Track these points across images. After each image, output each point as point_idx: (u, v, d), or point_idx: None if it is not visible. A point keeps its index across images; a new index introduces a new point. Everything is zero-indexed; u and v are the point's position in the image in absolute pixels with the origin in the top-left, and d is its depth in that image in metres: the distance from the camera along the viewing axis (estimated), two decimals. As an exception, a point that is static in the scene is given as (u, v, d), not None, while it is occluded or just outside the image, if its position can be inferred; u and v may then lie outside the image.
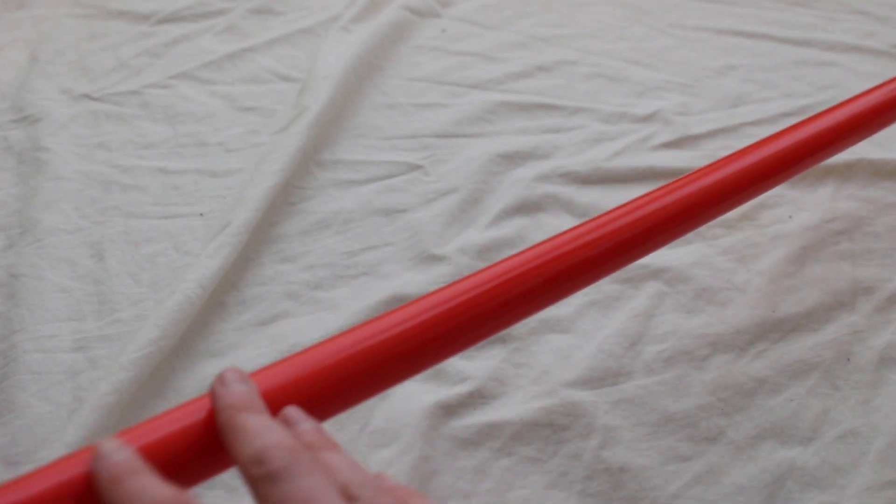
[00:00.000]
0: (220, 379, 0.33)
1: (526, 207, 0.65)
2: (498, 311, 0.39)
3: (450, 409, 0.51)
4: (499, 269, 0.40)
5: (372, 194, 0.66)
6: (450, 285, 0.39)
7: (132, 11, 0.88)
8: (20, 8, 0.89)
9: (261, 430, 0.29)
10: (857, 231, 0.63)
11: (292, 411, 0.32)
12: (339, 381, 0.35)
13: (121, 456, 0.29)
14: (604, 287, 0.59)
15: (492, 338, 0.55)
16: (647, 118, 0.74)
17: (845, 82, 0.78)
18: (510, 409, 0.51)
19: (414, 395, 0.52)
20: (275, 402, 0.33)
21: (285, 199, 0.65)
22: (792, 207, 0.65)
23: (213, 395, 0.32)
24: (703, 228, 0.63)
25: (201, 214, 0.65)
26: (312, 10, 0.88)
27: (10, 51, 0.83)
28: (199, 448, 0.31)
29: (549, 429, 0.50)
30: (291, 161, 0.66)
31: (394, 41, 0.83)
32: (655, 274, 0.59)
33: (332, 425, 0.50)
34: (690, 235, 0.62)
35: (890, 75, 0.79)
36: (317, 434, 0.31)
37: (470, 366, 0.54)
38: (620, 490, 0.48)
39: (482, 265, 0.60)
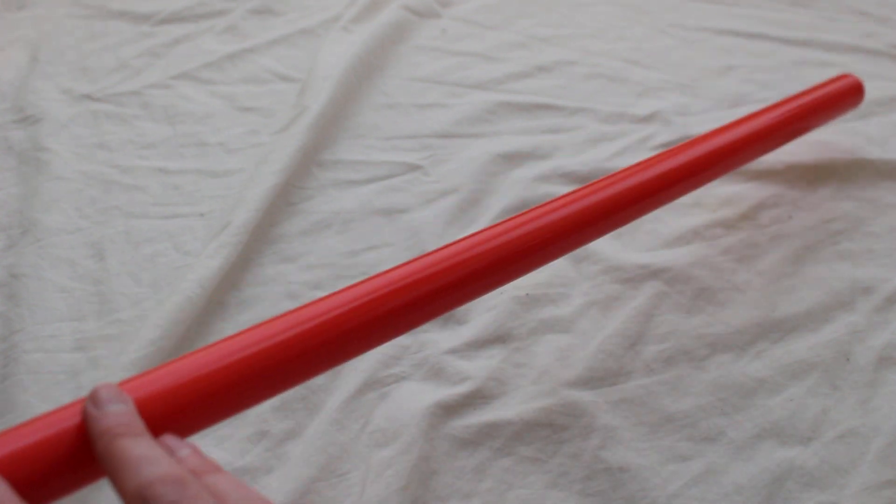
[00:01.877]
0: (93, 398, 0.30)
1: (526, 208, 0.65)
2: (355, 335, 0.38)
3: (450, 409, 0.51)
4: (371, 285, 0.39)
5: (372, 194, 0.66)
6: (318, 300, 0.38)
7: (133, 12, 0.88)
8: (21, 8, 0.90)
9: (144, 461, 0.27)
10: (856, 231, 0.63)
11: (170, 440, 0.31)
12: (219, 389, 0.33)
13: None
14: (604, 287, 0.59)
15: (492, 337, 0.55)
16: (647, 118, 0.74)
17: (845, 82, 0.78)
18: (510, 409, 0.51)
19: (414, 395, 0.52)
20: (153, 413, 0.31)
21: (285, 199, 0.65)
22: (792, 207, 0.65)
23: (86, 417, 0.30)
24: (702, 228, 0.63)
25: (201, 214, 0.65)
26: (312, 11, 0.88)
27: (11, 51, 0.83)
28: (69, 459, 0.30)
29: (549, 429, 0.51)
30: (291, 161, 0.67)
31: (394, 41, 0.83)
32: (655, 274, 0.59)
33: (331, 425, 0.50)
34: (690, 235, 0.63)
35: (889, 75, 0.79)
36: (198, 458, 0.30)
37: (470, 366, 0.54)
38: (620, 490, 0.48)
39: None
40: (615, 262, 0.60)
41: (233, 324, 0.57)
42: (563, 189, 0.66)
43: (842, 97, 0.65)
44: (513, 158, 0.69)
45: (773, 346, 0.55)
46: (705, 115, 0.74)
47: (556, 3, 0.91)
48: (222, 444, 0.49)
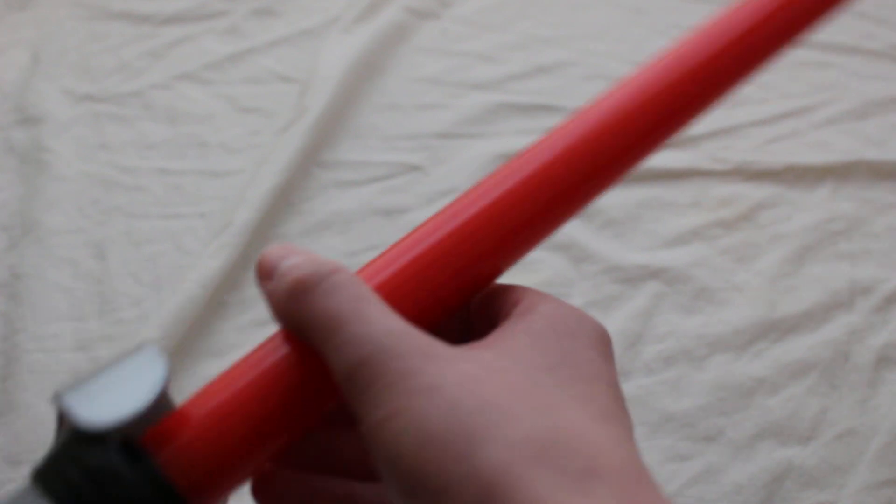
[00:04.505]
0: (262, 270, 0.25)
1: (526, 208, 0.65)
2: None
3: (450, 409, 0.52)
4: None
5: (372, 195, 0.67)
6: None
7: (134, 13, 0.88)
8: (22, 9, 0.90)
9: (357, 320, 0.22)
10: (855, 231, 0.63)
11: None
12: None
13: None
14: (603, 287, 0.59)
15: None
16: (647, 119, 0.74)
17: (843, 83, 0.78)
18: (510, 408, 0.52)
19: (414, 395, 0.52)
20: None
21: (286, 199, 0.66)
22: (790, 208, 0.65)
23: (264, 296, 0.25)
24: (702, 228, 0.63)
25: (202, 215, 0.65)
26: (313, 12, 0.88)
27: (13, 52, 0.83)
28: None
29: (549, 428, 0.51)
30: (292, 162, 0.67)
31: (394, 42, 0.83)
32: (655, 274, 0.60)
33: (332, 424, 0.51)
34: (689, 235, 0.63)
35: (888, 76, 0.79)
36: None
37: (470, 365, 0.54)
38: (620, 489, 0.48)
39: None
40: (615, 262, 0.60)
41: (234, 324, 0.57)
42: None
43: None
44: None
45: (773, 345, 0.55)
46: (706, 115, 0.74)
47: (556, 4, 0.91)
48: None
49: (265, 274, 0.25)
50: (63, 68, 0.81)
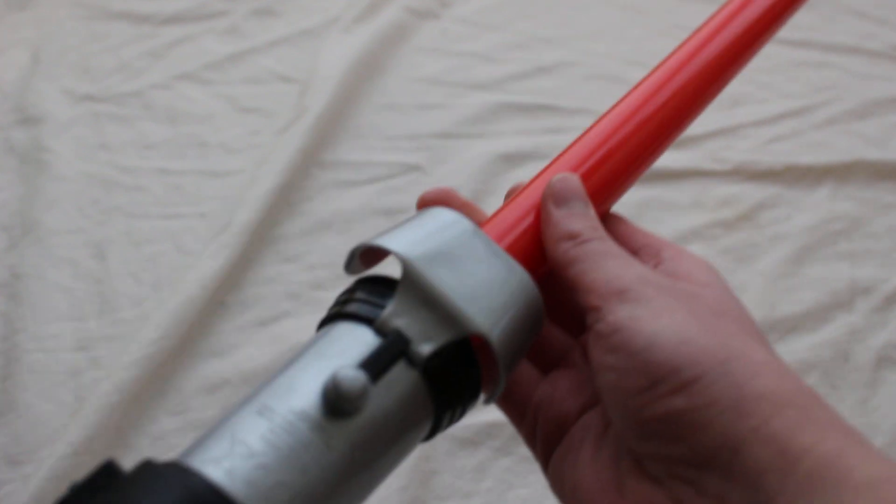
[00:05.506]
0: (555, 195, 0.30)
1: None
2: None
3: (450, 409, 0.51)
4: None
5: (372, 195, 0.67)
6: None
7: (134, 13, 0.88)
8: (23, 9, 0.90)
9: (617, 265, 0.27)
10: (855, 231, 0.63)
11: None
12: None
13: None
14: (603, 287, 0.59)
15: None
16: (647, 119, 0.74)
17: (843, 83, 0.78)
18: (510, 408, 0.52)
19: (414, 395, 0.52)
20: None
21: (286, 199, 0.66)
22: (791, 208, 0.65)
23: (546, 217, 0.30)
24: (702, 228, 0.63)
25: (202, 215, 0.65)
26: (313, 12, 0.88)
27: (13, 52, 0.83)
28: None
29: (549, 428, 0.51)
30: (292, 162, 0.67)
31: (394, 42, 0.83)
32: (655, 274, 0.60)
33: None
34: (690, 235, 0.63)
35: (888, 77, 0.79)
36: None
37: (470, 365, 0.54)
38: (620, 489, 0.48)
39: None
40: (615, 262, 0.60)
41: (233, 324, 0.57)
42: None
43: None
44: (513, 159, 0.69)
45: (773, 346, 0.55)
46: (705, 116, 0.74)
47: (556, 4, 0.91)
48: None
49: (557, 202, 0.30)
50: (63, 68, 0.81)
